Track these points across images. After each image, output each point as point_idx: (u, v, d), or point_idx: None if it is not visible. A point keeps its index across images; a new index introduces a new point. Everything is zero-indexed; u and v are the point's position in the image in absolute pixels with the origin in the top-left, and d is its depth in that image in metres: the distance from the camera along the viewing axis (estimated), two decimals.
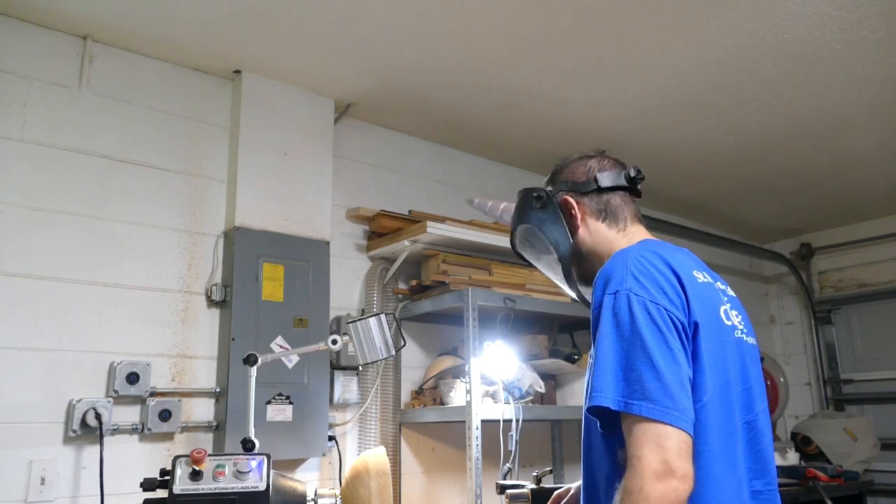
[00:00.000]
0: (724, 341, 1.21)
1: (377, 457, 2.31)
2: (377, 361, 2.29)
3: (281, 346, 2.44)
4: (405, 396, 2.88)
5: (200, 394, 2.38)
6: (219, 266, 2.50)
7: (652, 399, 1.05)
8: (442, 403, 2.71)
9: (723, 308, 1.25)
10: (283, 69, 2.62)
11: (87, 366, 2.17)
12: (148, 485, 1.80)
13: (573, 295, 1.44)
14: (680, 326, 1.12)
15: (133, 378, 2.20)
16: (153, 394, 2.24)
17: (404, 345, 2.39)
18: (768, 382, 4.28)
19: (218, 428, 2.36)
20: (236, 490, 1.74)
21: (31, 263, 2.13)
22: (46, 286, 2.15)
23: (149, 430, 2.21)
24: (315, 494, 1.98)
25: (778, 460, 3.59)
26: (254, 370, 2.02)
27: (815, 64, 2.64)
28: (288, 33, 2.38)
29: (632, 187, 1.41)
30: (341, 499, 1.98)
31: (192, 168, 2.52)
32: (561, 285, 1.45)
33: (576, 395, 2.87)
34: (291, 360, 2.45)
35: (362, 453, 2.46)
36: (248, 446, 1.97)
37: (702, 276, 1.24)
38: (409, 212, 2.98)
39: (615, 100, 2.93)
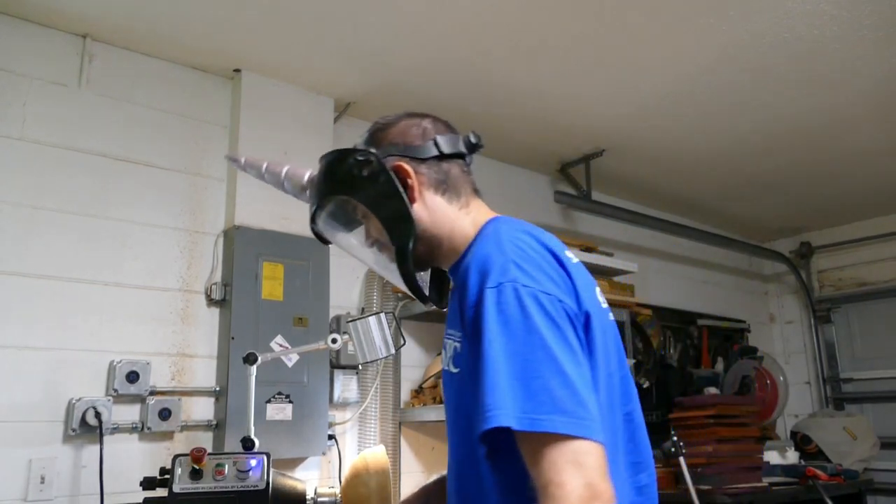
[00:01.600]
0: (605, 329, 1.05)
1: (377, 456, 2.31)
2: (377, 360, 2.29)
3: (281, 345, 2.44)
4: (405, 395, 2.88)
5: (200, 393, 2.38)
6: (218, 265, 2.50)
7: (565, 411, 0.86)
8: (442, 402, 2.71)
9: (597, 289, 1.10)
10: (283, 68, 2.62)
11: (87, 365, 2.17)
12: (148, 484, 1.80)
13: (405, 287, 1.14)
14: (574, 318, 0.95)
15: (133, 377, 2.20)
16: (153, 393, 2.24)
17: (404, 344, 2.39)
18: (768, 382, 4.28)
19: (218, 427, 2.36)
20: (236, 489, 1.74)
21: (30, 262, 2.13)
22: (46, 285, 2.15)
23: (148, 428, 2.21)
24: (315, 493, 1.98)
25: (777, 459, 3.59)
26: (253, 369, 2.02)
27: (815, 63, 2.64)
28: (288, 32, 2.38)
29: (469, 153, 1.18)
30: (341, 498, 1.98)
31: (192, 167, 2.52)
32: (385, 274, 1.18)
33: None
34: (291, 359, 2.45)
35: (362, 452, 2.46)
36: (247, 445, 1.97)
37: (573, 257, 1.08)
38: None
39: (615, 99, 2.93)
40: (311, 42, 2.45)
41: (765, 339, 4.92)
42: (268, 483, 1.77)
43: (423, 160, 1.13)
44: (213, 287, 2.44)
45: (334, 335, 2.07)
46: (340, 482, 2.48)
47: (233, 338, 2.36)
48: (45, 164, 2.21)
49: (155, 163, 2.44)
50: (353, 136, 2.99)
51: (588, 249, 3.32)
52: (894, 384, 4.43)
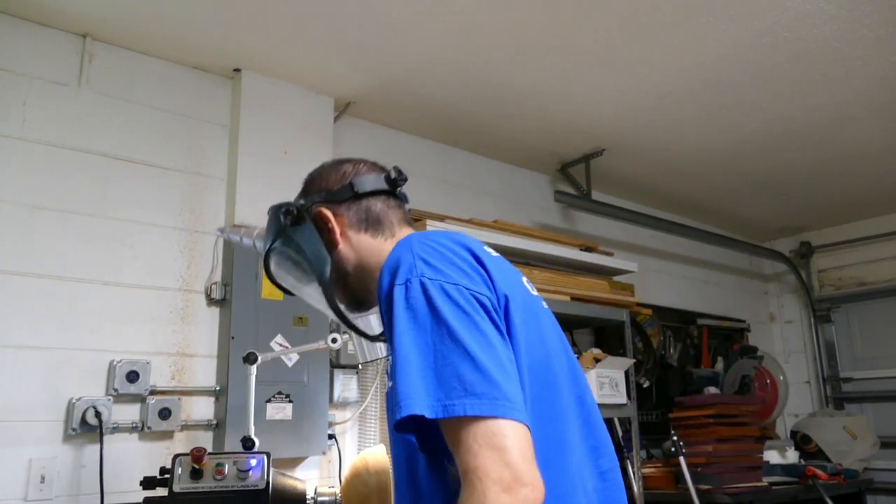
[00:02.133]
0: (536, 312, 1.06)
1: (377, 455, 2.31)
2: (377, 360, 2.29)
3: (281, 345, 2.44)
4: None
5: (200, 392, 2.38)
6: (218, 264, 2.50)
7: (475, 393, 0.86)
8: None
9: (524, 278, 1.12)
10: (283, 67, 2.62)
11: (87, 364, 2.17)
12: (148, 483, 1.80)
13: (340, 322, 1.22)
14: (488, 304, 0.95)
15: (133, 376, 2.20)
16: (153, 392, 2.24)
17: None
18: (768, 381, 4.28)
19: (218, 426, 2.36)
20: (236, 488, 1.74)
21: (30, 262, 2.13)
22: (46, 284, 2.15)
23: (149, 428, 2.21)
24: (315, 493, 1.98)
25: (777, 459, 3.59)
26: (253, 369, 2.02)
27: (815, 62, 2.64)
28: (288, 31, 2.38)
29: (393, 191, 1.24)
30: (341, 497, 1.98)
31: (192, 166, 2.52)
32: (329, 314, 1.23)
33: None
34: (291, 359, 2.45)
35: (362, 452, 2.46)
36: (247, 445, 1.97)
37: (492, 251, 1.10)
38: (409, 210, 2.98)
39: (615, 98, 2.93)
40: (311, 41, 2.45)
41: (765, 338, 4.92)
42: (268, 483, 1.77)
43: (343, 202, 1.19)
44: (213, 286, 2.44)
45: (334, 335, 2.07)
46: (340, 482, 2.48)
47: (233, 337, 2.36)
48: (44, 163, 2.21)
49: (155, 162, 2.44)
50: (353, 135, 3.01)
51: (588, 249, 3.32)
52: (894, 384, 4.43)
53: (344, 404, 2.70)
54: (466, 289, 0.94)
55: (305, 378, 2.48)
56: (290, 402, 2.43)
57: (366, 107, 2.94)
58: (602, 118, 3.12)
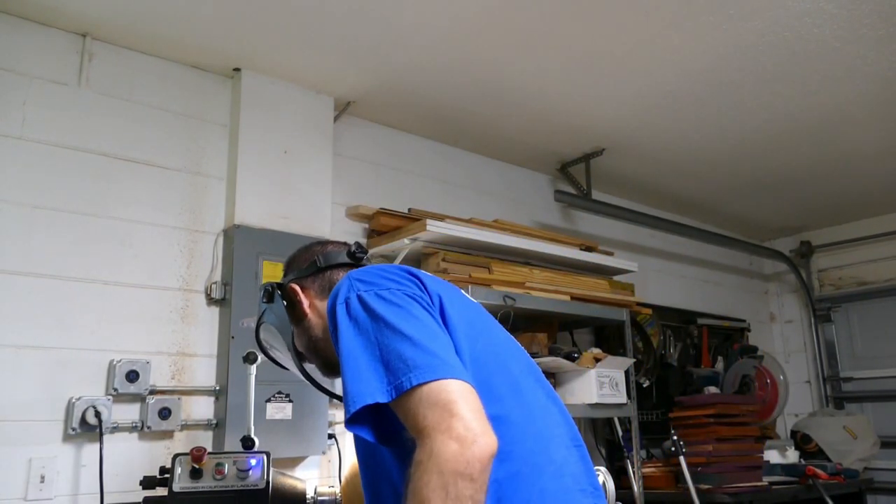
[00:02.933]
0: (474, 307, 1.18)
1: None
2: None
3: None
4: None
5: (200, 392, 2.37)
6: (218, 264, 2.50)
7: (417, 366, 0.92)
8: None
9: (462, 292, 1.21)
10: (283, 67, 2.62)
11: (87, 364, 2.17)
12: (148, 483, 1.80)
13: (320, 390, 1.37)
14: (420, 300, 1.05)
15: (133, 376, 2.20)
16: (153, 392, 2.24)
17: None
18: (768, 381, 4.28)
19: (218, 426, 2.36)
20: (236, 488, 1.74)
21: (30, 261, 2.13)
22: (46, 284, 2.15)
23: (148, 427, 2.21)
24: (315, 492, 1.98)
25: (777, 458, 3.59)
26: (253, 368, 2.02)
27: (815, 61, 2.64)
28: (288, 31, 2.38)
29: (355, 262, 1.36)
30: (341, 497, 1.98)
31: (192, 166, 2.52)
32: (308, 382, 1.36)
33: (576, 394, 2.86)
34: None
35: None
36: (247, 444, 1.97)
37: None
38: (409, 210, 2.98)
39: (615, 97, 2.93)
40: (311, 41, 2.45)
41: (765, 338, 4.92)
42: (268, 482, 1.77)
43: (308, 276, 1.35)
44: (213, 286, 2.44)
45: None
46: (340, 481, 2.48)
47: (233, 337, 2.36)
48: (44, 163, 2.21)
49: (155, 162, 2.44)
50: (353, 134, 3.00)
51: (588, 249, 3.32)
52: (894, 383, 4.43)
53: None
54: (398, 290, 1.05)
55: None
56: (290, 401, 2.43)
57: (366, 106, 2.94)
58: (602, 118, 3.12)
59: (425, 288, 1.09)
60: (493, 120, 3.11)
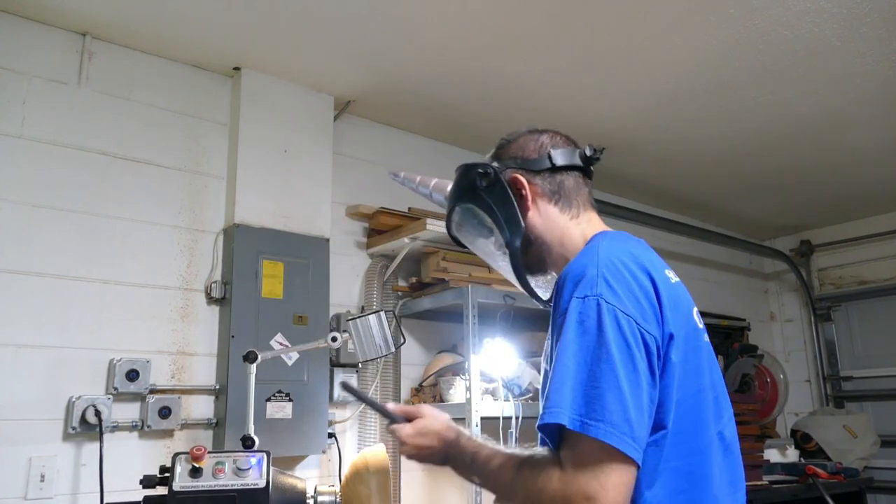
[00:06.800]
0: (697, 348, 1.12)
1: (377, 454, 2.31)
2: (377, 359, 2.29)
3: (281, 344, 2.44)
4: (405, 394, 2.88)
5: (200, 391, 2.38)
6: (218, 263, 2.50)
7: (612, 422, 0.94)
8: (441, 401, 2.71)
9: (694, 310, 1.16)
10: (283, 66, 2.62)
11: (87, 363, 2.17)
12: (148, 482, 1.80)
13: (518, 285, 1.27)
14: (651, 345, 1.02)
15: (133, 375, 2.20)
16: (153, 391, 2.25)
17: (404, 342, 2.40)
18: (768, 380, 4.29)
19: (217, 425, 2.36)
20: (236, 487, 1.74)
21: (30, 260, 2.13)
22: (46, 283, 2.15)
23: (148, 427, 2.21)
24: (315, 492, 1.98)
25: (777, 457, 3.60)
26: (253, 367, 2.02)
27: (815, 61, 2.63)
28: (287, 30, 2.38)
29: (586, 168, 1.29)
30: (341, 496, 1.98)
31: (192, 165, 2.52)
32: (504, 273, 1.30)
33: None
34: (291, 358, 2.45)
35: (362, 451, 2.46)
36: (247, 443, 1.97)
37: (673, 276, 1.15)
38: (409, 209, 2.98)
39: (615, 97, 2.93)
40: (310, 40, 2.44)
41: (765, 337, 4.92)
42: (268, 481, 1.76)
43: (538, 172, 1.24)
44: (213, 285, 2.44)
45: (334, 333, 2.07)
46: (340, 481, 2.48)
47: (233, 336, 2.36)
48: (44, 162, 2.21)
49: (155, 161, 2.44)
50: (353, 133, 3.00)
51: None
52: (894, 382, 4.43)
53: (344, 403, 2.70)
54: (636, 323, 1.01)
55: (305, 377, 2.48)
56: (290, 400, 2.43)
57: (366, 105, 2.94)
58: (602, 117, 3.12)
59: (662, 321, 1.04)
60: (493, 119, 3.10)
